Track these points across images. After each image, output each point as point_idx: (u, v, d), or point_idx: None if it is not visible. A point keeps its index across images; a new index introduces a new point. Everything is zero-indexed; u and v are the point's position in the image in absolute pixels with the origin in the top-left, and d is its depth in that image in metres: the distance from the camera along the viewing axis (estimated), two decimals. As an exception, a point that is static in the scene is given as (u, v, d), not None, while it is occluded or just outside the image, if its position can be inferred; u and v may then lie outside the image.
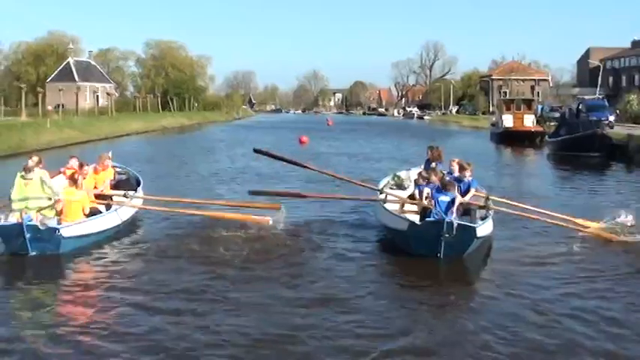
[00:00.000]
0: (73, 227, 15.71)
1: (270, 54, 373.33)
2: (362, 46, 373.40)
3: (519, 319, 11.37)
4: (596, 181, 32.49)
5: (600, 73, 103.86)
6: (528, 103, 66.06)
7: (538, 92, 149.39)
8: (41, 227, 14.92)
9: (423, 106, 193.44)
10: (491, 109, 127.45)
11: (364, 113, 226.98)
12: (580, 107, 59.48)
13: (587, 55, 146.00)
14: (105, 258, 15.44)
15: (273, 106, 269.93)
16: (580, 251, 16.13)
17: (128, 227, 18.13)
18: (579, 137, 44.80)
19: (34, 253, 14.87)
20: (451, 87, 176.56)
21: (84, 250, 15.68)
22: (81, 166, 18.25)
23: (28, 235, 14.72)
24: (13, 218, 15.48)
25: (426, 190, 16.56)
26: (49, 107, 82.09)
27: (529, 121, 61.63)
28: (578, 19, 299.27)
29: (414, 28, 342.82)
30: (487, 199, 17.78)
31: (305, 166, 20.08)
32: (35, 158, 16.85)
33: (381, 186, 19.79)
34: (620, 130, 51.63)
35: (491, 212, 16.92)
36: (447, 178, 16.81)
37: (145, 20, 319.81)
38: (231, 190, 25.92)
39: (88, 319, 11.29)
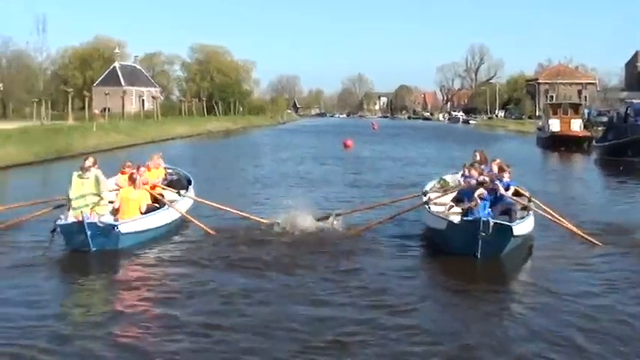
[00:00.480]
0: (131, 224, 16.46)
1: (314, 58, 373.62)
2: (407, 49, 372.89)
3: (557, 321, 11.34)
4: (644, 188, 31.93)
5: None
6: (575, 108, 65.41)
7: (585, 96, 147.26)
8: (101, 224, 15.71)
9: (468, 111, 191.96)
10: (537, 114, 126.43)
11: (409, 117, 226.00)
12: (628, 111, 58.47)
13: (635, 58, 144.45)
14: (159, 253, 16.18)
15: (317, 110, 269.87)
16: (623, 258, 15.90)
17: (181, 224, 18.83)
18: (627, 142, 44.30)
19: (94, 249, 15.57)
20: (497, 91, 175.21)
21: (140, 245, 16.43)
22: (137, 167, 18.77)
23: (89, 233, 15.42)
24: (72, 216, 16.23)
25: (479, 191, 16.46)
26: (96, 111, 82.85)
27: (576, 125, 60.85)
28: (626, 21, 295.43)
29: (459, 32, 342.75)
30: (529, 200, 18.02)
31: (347, 213, 19.88)
32: (91, 159, 17.39)
33: (427, 189, 20.08)
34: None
35: (531, 213, 17.08)
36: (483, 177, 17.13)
37: (190, 25, 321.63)
38: (273, 195, 25.78)
39: (143, 313, 11.69)
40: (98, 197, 16.62)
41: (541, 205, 18.40)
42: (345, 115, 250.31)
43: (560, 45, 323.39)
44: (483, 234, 14.72)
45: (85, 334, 10.61)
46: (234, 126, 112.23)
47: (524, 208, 17.40)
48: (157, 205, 18.28)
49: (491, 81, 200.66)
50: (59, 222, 15.93)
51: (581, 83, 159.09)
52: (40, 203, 19.07)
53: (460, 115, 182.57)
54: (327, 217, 18.81)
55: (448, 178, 21.42)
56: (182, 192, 19.97)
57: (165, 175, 21.12)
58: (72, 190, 16.64)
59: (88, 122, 67.31)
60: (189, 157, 46.88)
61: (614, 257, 15.90)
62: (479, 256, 15.02)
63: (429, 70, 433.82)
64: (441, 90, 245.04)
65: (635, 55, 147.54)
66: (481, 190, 16.32)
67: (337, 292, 12.95)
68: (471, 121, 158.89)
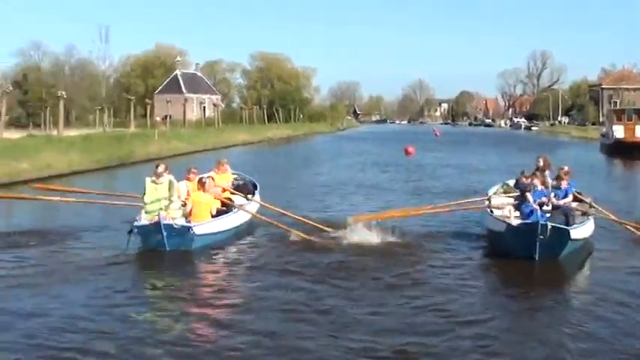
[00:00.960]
0: (203, 226, 17.36)
1: (375, 64, 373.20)
2: (468, 54, 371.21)
3: (613, 326, 11.36)
4: None
5: None
6: (640, 114, 64.30)
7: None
8: (176, 226, 16.61)
9: (530, 117, 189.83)
10: (600, 120, 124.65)
11: (470, 124, 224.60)
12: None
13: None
14: (229, 255, 17.05)
15: (377, 117, 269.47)
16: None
17: (248, 227, 19.70)
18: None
19: (169, 250, 16.37)
20: (559, 97, 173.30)
21: (211, 247, 17.26)
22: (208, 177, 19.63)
23: (165, 234, 16.22)
24: (146, 219, 17.26)
25: (544, 199, 17.19)
26: (157, 118, 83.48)
27: (640, 131, 59.71)
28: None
29: (520, 37, 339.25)
30: (590, 205, 18.37)
31: (408, 215, 20.66)
32: (163, 165, 18.25)
33: (490, 193, 20.48)
34: None
35: (591, 217, 17.38)
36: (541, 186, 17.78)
37: (250, 33, 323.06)
38: (333, 202, 25.75)
39: (212, 314, 12.17)
40: (171, 201, 17.50)
41: (603, 210, 18.56)
42: (405, 122, 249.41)
43: (625, 50, 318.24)
44: (541, 237, 15.03)
45: (157, 330, 11.18)
46: (295, 133, 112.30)
47: (584, 213, 17.71)
48: (225, 208, 19.11)
49: (553, 87, 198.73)
50: (136, 223, 16.94)
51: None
52: (118, 195, 20.92)
53: (522, 121, 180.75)
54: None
55: (511, 183, 21.40)
56: (249, 196, 20.92)
57: (232, 180, 22.06)
58: (146, 195, 17.67)
59: (149, 129, 67.80)
60: (248, 163, 46.86)
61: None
62: (537, 258, 15.30)
63: (490, 76, 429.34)
64: (502, 96, 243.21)
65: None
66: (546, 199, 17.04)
67: (398, 296, 13.15)
68: (533, 128, 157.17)
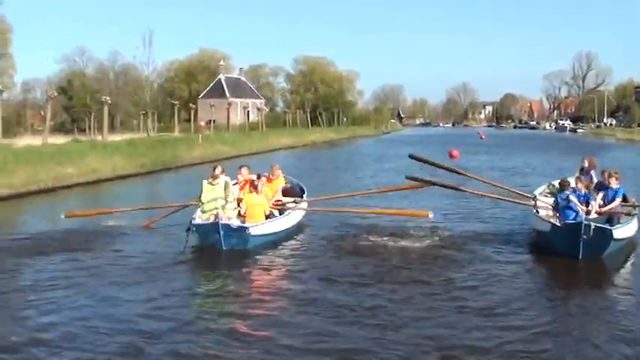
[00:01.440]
0: (258, 227, 18.11)
1: (419, 67, 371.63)
2: (512, 57, 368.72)
3: None
4: None
5: None
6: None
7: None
8: (234, 226, 17.32)
9: (575, 119, 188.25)
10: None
11: (515, 126, 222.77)
12: None
13: None
14: (281, 255, 17.59)
15: (421, 120, 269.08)
16: None
17: (298, 228, 20.51)
18: None
19: (225, 249, 17.08)
20: (605, 98, 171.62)
21: (266, 246, 17.96)
22: (258, 176, 20.42)
23: (222, 233, 16.96)
24: (203, 218, 18.20)
25: (599, 200, 17.89)
26: (201, 123, 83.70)
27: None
28: None
29: (565, 38, 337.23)
30: (634, 206, 18.91)
31: (461, 173, 22.00)
32: (220, 167, 19.14)
33: (536, 193, 21.16)
34: None
35: (635, 217, 17.92)
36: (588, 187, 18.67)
37: (294, 36, 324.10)
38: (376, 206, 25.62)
39: (268, 309, 12.75)
40: (227, 201, 18.40)
41: None
42: (450, 125, 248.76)
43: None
44: (585, 237, 15.50)
45: (210, 327, 11.52)
46: (338, 137, 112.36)
47: (628, 213, 18.30)
48: (276, 210, 20.19)
49: (598, 88, 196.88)
50: (194, 222, 17.71)
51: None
52: (175, 206, 21.51)
53: (567, 123, 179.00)
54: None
55: (556, 183, 21.47)
56: (298, 199, 21.87)
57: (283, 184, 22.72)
58: (203, 195, 18.61)
59: (193, 134, 68.10)
60: (293, 167, 46.80)
61: None
62: (580, 257, 15.75)
63: (534, 78, 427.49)
64: (547, 98, 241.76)
65: None
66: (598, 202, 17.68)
67: (445, 297, 13.29)
68: (578, 130, 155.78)
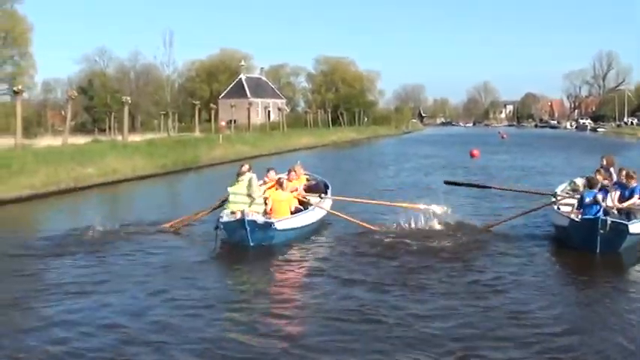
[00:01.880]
0: (284, 222, 18.68)
1: (440, 67, 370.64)
2: (533, 56, 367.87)
3: None
4: None
5: None
6: None
7: None
8: (260, 222, 17.91)
9: (596, 118, 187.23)
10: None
11: (536, 125, 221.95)
12: None
13: None
14: (307, 248, 18.26)
15: (442, 119, 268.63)
16: None
17: (322, 224, 21.13)
18: None
19: (252, 244, 17.62)
20: (625, 97, 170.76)
21: (292, 242, 18.59)
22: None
23: (248, 229, 17.53)
24: (229, 213, 18.72)
25: (616, 198, 18.57)
26: (222, 123, 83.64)
27: None
28: None
29: (585, 38, 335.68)
30: None
31: (492, 187, 23.69)
32: (246, 165, 19.93)
33: (558, 190, 21.94)
34: None
35: None
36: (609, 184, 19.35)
37: (315, 36, 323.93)
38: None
39: (294, 301, 13.32)
40: (252, 198, 18.91)
41: None
42: (470, 124, 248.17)
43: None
44: (601, 231, 16.16)
45: (240, 321, 11.95)
46: (359, 136, 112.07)
47: None
48: (301, 206, 20.62)
49: (619, 87, 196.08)
50: (222, 220, 18.30)
51: None
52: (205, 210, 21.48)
53: (587, 122, 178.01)
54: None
55: (578, 181, 22.44)
56: (323, 195, 22.52)
57: (306, 180, 23.54)
58: (230, 190, 19.20)
59: (214, 134, 67.96)
60: (314, 166, 46.68)
61: None
62: (598, 251, 16.40)
63: (555, 78, 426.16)
64: (568, 97, 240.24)
65: None
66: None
67: (465, 296, 13.45)
68: (598, 129, 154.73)
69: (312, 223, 20.26)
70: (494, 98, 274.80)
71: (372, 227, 20.23)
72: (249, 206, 18.61)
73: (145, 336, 11.09)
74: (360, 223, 20.57)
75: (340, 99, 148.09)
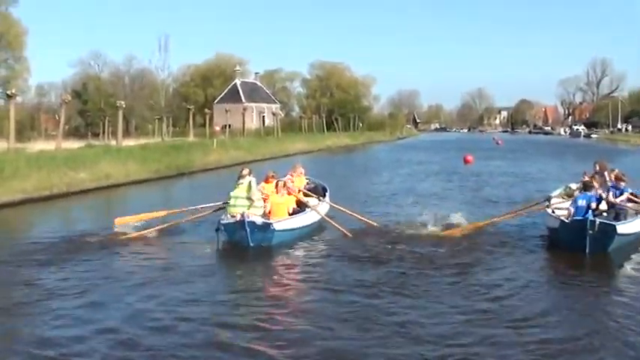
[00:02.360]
0: (282, 223, 19.19)
1: (434, 73, 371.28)
2: (527, 63, 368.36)
3: None
4: None
5: None
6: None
7: None
8: (258, 223, 18.36)
9: (590, 125, 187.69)
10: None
11: (530, 132, 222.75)
12: None
13: None
14: (305, 249, 18.78)
15: (436, 125, 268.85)
16: None
17: (321, 225, 21.41)
18: None
19: (252, 245, 18.08)
20: (619, 104, 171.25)
21: (290, 242, 19.05)
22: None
23: (248, 230, 18.01)
24: (229, 215, 19.22)
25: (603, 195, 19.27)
26: (216, 127, 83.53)
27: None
28: None
29: (579, 45, 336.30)
30: None
31: (488, 224, 21.53)
32: (247, 169, 20.40)
33: (552, 195, 22.37)
34: None
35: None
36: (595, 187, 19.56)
37: (310, 42, 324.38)
38: (390, 212, 25.47)
39: (291, 303, 13.51)
40: (252, 200, 19.32)
41: None
42: (465, 130, 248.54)
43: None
44: (590, 232, 16.67)
45: (239, 319, 12.17)
46: (354, 142, 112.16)
47: (638, 212, 19.29)
48: (300, 208, 21.07)
49: (613, 94, 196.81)
50: (222, 221, 18.85)
51: None
52: (211, 206, 21.78)
53: (581, 129, 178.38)
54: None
55: (573, 186, 23.19)
56: (321, 198, 23.09)
57: (305, 183, 24.28)
58: (231, 193, 19.66)
59: (208, 139, 67.86)
60: (308, 172, 46.67)
61: None
62: (587, 252, 16.89)
63: (549, 84, 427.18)
64: (562, 104, 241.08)
65: None
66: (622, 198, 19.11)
67: (461, 299, 13.50)
68: (592, 135, 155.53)
69: (310, 225, 20.74)
70: (489, 104, 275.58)
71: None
72: (249, 208, 18.98)
73: (144, 339, 11.04)
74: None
75: (335, 104, 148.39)
